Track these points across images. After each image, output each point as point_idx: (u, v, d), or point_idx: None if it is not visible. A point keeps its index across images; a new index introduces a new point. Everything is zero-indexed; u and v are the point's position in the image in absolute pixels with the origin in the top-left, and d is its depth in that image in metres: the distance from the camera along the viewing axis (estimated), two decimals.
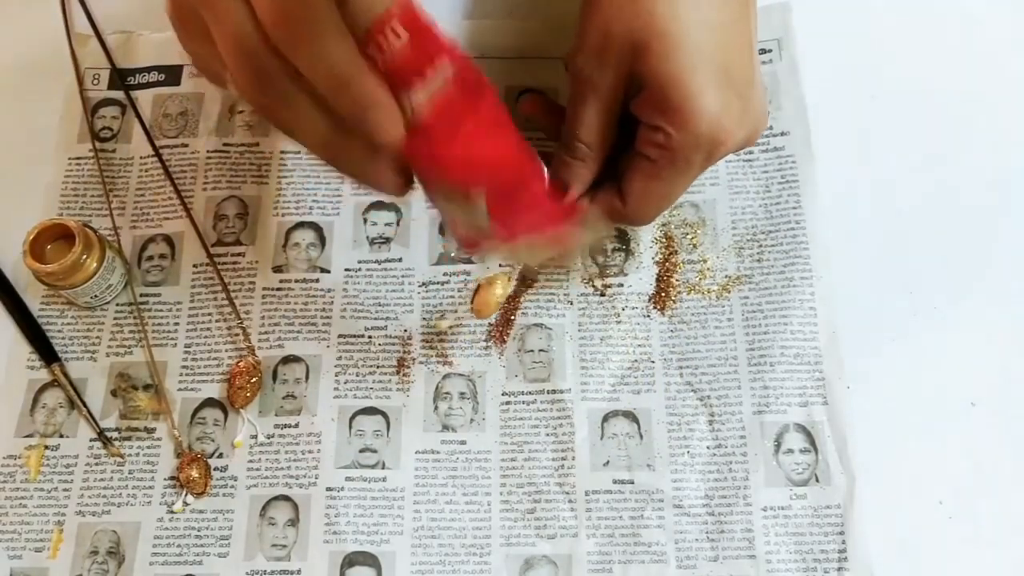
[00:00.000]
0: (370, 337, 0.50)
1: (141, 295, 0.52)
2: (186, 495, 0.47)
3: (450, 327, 0.50)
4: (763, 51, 0.55)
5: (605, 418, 0.48)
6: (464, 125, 0.34)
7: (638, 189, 0.43)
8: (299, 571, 0.46)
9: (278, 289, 0.52)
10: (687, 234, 0.52)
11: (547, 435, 0.48)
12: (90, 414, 0.49)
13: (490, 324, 0.50)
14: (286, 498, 0.47)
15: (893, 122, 0.54)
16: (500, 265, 0.51)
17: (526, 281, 0.51)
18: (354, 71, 0.33)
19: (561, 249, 0.44)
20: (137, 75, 0.57)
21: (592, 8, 0.41)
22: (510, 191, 0.37)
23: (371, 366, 0.50)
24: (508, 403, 0.49)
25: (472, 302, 0.47)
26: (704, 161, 0.41)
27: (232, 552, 0.46)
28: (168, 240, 0.53)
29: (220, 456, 0.48)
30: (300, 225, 0.53)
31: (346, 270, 0.52)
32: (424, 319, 0.51)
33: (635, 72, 0.40)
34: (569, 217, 0.40)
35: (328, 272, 0.52)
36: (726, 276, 0.51)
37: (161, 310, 0.52)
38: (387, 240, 0.53)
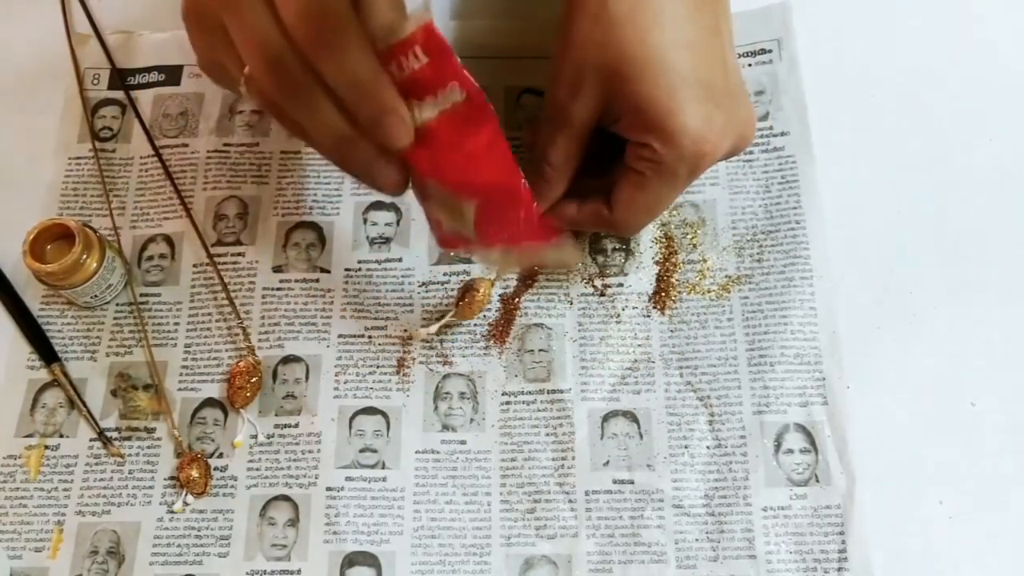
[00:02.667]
0: (370, 337, 0.50)
1: (141, 295, 0.52)
2: (186, 495, 0.47)
3: (440, 330, 0.50)
4: (763, 51, 0.55)
5: (605, 418, 0.48)
6: (465, 144, 0.38)
7: (626, 199, 0.45)
8: (299, 571, 0.46)
9: (278, 289, 0.52)
10: (687, 234, 0.52)
11: (547, 435, 0.48)
12: (90, 414, 0.49)
13: (490, 324, 0.50)
14: (286, 498, 0.47)
15: (893, 121, 0.54)
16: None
17: (526, 281, 0.51)
18: (374, 79, 0.35)
19: (532, 263, 0.47)
20: (137, 75, 0.57)
21: (565, 42, 0.43)
22: (497, 208, 0.40)
23: (371, 366, 0.50)
24: (508, 403, 0.49)
25: (456, 307, 0.49)
26: (689, 174, 0.43)
27: (232, 552, 0.46)
28: (168, 240, 0.53)
29: (220, 456, 0.48)
30: (300, 225, 0.53)
31: (346, 270, 0.52)
32: (424, 319, 0.51)
33: (612, 99, 0.42)
34: (546, 238, 0.42)
35: (328, 272, 0.52)
36: (726, 276, 0.51)
37: (161, 310, 0.52)
38: (387, 240, 0.53)
